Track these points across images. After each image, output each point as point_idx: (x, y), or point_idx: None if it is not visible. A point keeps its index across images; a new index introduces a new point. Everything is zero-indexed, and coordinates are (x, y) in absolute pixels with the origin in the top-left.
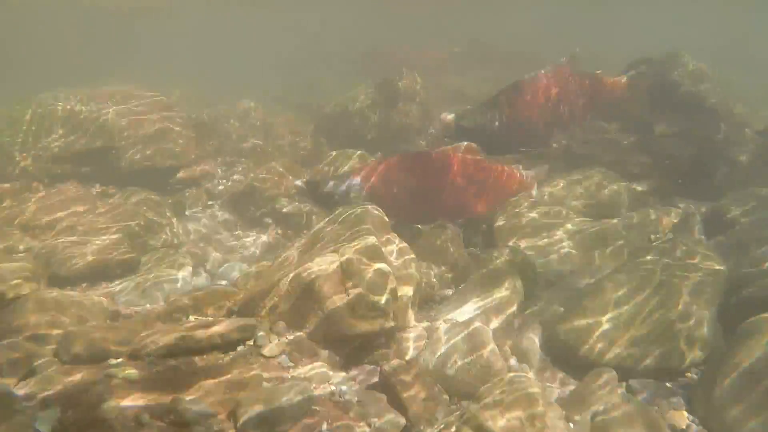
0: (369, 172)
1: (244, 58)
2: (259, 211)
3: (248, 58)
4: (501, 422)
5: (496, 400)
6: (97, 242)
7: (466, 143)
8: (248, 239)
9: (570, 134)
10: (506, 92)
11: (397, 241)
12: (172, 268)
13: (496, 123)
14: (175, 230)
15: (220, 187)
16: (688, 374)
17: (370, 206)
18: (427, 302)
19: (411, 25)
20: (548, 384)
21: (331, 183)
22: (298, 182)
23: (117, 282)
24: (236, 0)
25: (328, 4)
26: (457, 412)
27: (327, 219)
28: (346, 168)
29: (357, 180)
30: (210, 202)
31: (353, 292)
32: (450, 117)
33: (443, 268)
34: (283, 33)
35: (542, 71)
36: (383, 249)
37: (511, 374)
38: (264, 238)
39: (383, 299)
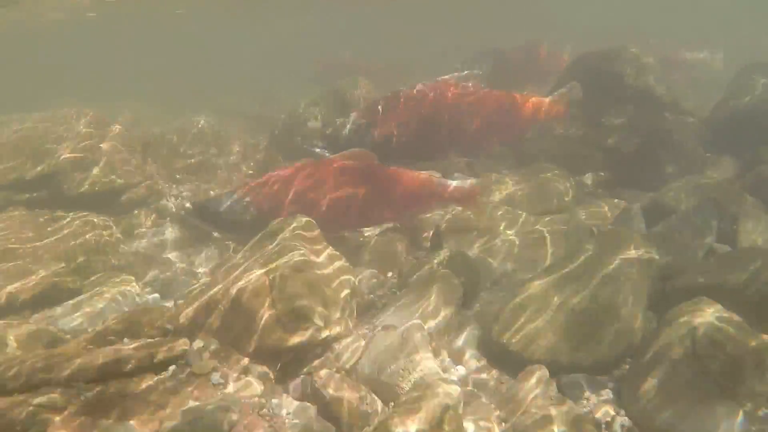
0: (253, 187)
1: (206, 69)
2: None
3: (209, 69)
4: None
5: (408, 406)
6: (40, 268)
7: (353, 150)
8: (199, 256)
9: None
10: (376, 102)
11: (328, 250)
12: (118, 289)
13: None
14: (122, 251)
15: (170, 205)
16: (625, 366)
17: (302, 217)
18: (369, 309)
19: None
20: (484, 384)
21: (218, 203)
22: (188, 205)
23: (58, 307)
24: (194, 10)
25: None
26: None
27: (261, 233)
28: None
29: (241, 196)
30: (159, 221)
31: (281, 304)
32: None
33: (389, 273)
34: (246, 43)
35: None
36: (314, 259)
37: (437, 379)
38: (214, 253)
39: (313, 310)
